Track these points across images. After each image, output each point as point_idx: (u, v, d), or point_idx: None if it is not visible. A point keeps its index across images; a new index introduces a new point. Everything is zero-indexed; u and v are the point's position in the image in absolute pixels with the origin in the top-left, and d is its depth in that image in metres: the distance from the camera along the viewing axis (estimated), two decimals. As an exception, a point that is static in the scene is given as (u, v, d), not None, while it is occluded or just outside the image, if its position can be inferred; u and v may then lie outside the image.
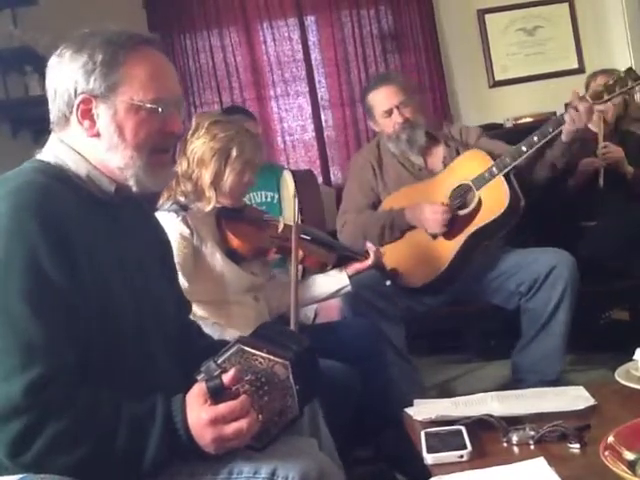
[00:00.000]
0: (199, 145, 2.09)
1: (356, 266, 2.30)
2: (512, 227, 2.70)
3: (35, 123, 3.46)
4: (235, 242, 2.10)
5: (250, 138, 2.13)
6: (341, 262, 2.33)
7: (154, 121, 1.28)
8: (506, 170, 2.59)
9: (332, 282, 2.27)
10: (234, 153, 2.08)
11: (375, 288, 2.46)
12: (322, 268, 2.29)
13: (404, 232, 2.75)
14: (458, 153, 2.83)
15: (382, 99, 2.81)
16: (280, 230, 2.23)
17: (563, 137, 2.58)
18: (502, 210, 2.58)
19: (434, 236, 2.69)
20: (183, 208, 2.09)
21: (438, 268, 2.67)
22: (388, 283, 2.46)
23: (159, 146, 1.31)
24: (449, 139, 2.88)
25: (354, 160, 3.06)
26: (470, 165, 2.68)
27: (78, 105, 1.26)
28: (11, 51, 3.39)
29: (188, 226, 2.05)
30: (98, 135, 1.27)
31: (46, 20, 3.64)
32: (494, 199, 2.60)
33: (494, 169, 2.60)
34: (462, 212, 2.65)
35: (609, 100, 2.60)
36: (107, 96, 1.25)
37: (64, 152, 1.29)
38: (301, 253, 2.18)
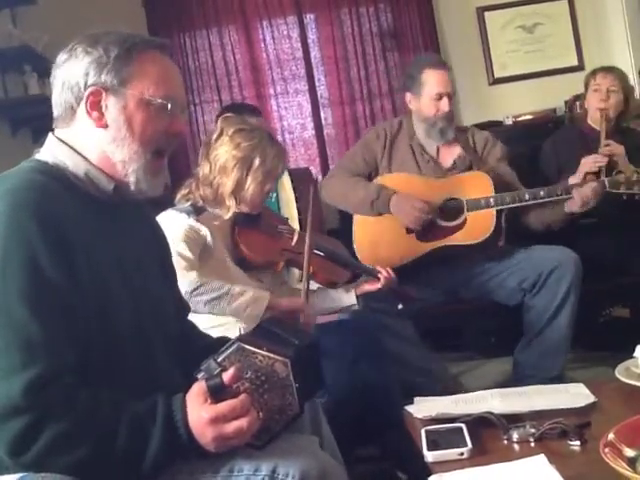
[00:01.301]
0: (222, 153, 2.09)
1: (365, 287, 2.30)
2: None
3: (34, 122, 3.46)
4: (245, 252, 2.11)
5: (273, 147, 2.13)
6: (353, 278, 2.33)
7: (162, 119, 1.30)
8: (502, 207, 2.68)
9: (340, 299, 2.27)
10: (256, 163, 2.08)
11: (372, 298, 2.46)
12: (331, 286, 2.28)
13: (382, 214, 2.77)
14: (470, 164, 2.83)
15: (439, 81, 2.80)
16: (293, 243, 2.23)
17: (566, 208, 2.68)
18: (479, 240, 2.65)
19: (409, 231, 2.70)
20: (198, 211, 2.09)
21: (396, 260, 2.67)
22: (400, 307, 2.45)
23: (162, 146, 1.32)
24: (467, 146, 2.87)
25: (370, 130, 3.10)
26: (473, 185, 2.73)
27: (87, 97, 1.27)
28: (10, 50, 3.38)
29: (201, 227, 2.04)
30: (105, 127, 1.28)
31: (45, 20, 3.64)
32: (478, 226, 2.67)
33: (491, 200, 2.68)
34: (445, 223, 2.68)
35: (624, 193, 2.71)
36: (118, 89, 1.27)
37: (62, 152, 1.29)
38: (311, 268, 2.16)
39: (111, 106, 1.27)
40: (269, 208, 2.71)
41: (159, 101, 1.28)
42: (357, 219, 2.85)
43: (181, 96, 1.35)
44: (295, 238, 2.25)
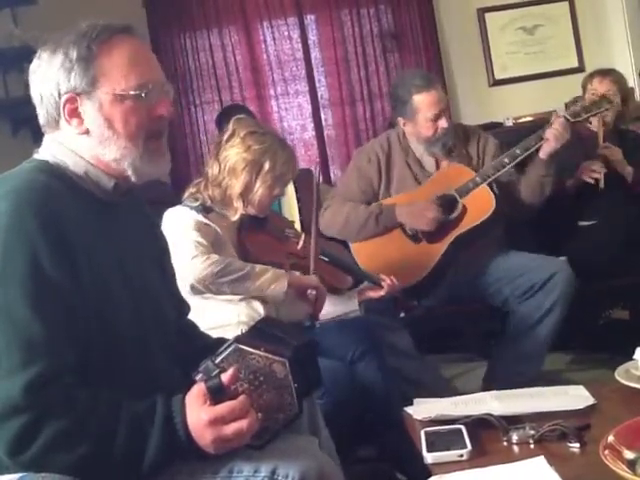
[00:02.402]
0: (232, 154, 2.09)
1: (368, 294, 2.29)
2: (497, 233, 2.76)
3: (35, 122, 3.46)
4: (250, 254, 2.10)
5: (284, 152, 2.12)
6: (355, 284, 2.33)
7: (141, 109, 1.27)
8: (489, 180, 2.67)
9: (341, 305, 2.26)
10: (266, 167, 2.08)
11: (373, 305, 2.45)
12: (334, 292, 2.27)
13: (388, 230, 2.74)
14: (469, 160, 2.82)
15: (432, 103, 2.72)
16: (299, 247, 2.23)
17: (541, 154, 2.68)
18: (489, 214, 2.63)
19: (416, 240, 2.69)
20: (207, 210, 2.10)
21: (421, 271, 2.66)
22: (402, 315, 2.44)
23: (152, 132, 1.29)
24: (459, 147, 2.84)
25: (361, 151, 2.98)
26: (453, 176, 2.72)
27: (64, 105, 1.26)
28: (11, 50, 3.40)
29: (210, 223, 2.05)
30: (88, 132, 1.27)
31: (46, 19, 3.63)
32: (479, 205, 2.66)
33: (477, 179, 2.67)
34: (448, 217, 2.67)
35: (586, 119, 2.81)
36: (90, 91, 1.25)
37: (61, 151, 1.29)
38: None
39: (88, 110, 1.25)
40: (276, 212, 2.71)
41: (132, 93, 1.25)
42: (356, 249, 2.79)
43: (156, 77, 1.30)
44: (301, 242, 2.25)
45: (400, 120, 2.83)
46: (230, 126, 2.16)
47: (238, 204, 2.10)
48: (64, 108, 1.26)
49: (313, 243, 2.11)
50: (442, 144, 2.76)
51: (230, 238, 2.11)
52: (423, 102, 2.73)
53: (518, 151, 2.69)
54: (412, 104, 2.74)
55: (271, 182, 2.10)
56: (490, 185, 2.68)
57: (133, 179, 1.30)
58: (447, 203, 2.69)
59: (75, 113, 1.26)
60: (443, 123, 2.73)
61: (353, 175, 2.88)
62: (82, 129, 1.26)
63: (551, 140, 2.65)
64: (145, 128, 1.28)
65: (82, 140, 1.27)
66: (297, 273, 2.21)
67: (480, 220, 2.65)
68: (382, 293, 2.29)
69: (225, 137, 2.14)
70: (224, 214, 2.11)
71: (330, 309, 2.26)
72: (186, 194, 2.17)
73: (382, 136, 2.99)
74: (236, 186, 2.09)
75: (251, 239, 2.13)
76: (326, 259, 2.27)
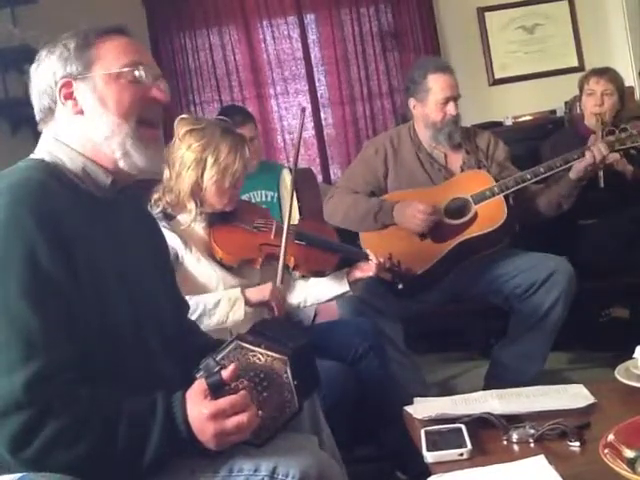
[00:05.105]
0: (176, 157, 2.04)
1: (357, 274, 2.22)
2: (504, 244, 2.74)
3: (34, 122, 3.47)
4: (220, 253, 2.06)
5: (227, 142, 2.04)
6: (344, 264, 2.26)
7: (135, 88, 1.30)
8: (507, 192, 2.66)
9: (332, 288, 2.21)
10: (210, 162, 2.02)
11: (370, 288, 2.44)
12: (319, 275, 2.22)
13: (388, 225, 2.73)
14: (479, 162, 2.82)
15: (446, 86, 2.74)
16: (272, 237, 2.17)
17: (571, 174, 2.64)
18: (497, 225, 2.62)
19: (422, 237, 2.69)
20: (169, 217, 2.06)
21: (419, 267, 2.65)
22: (400, 287, 2.40)
23: (145, 115, 1.31)
24: (472, 148, 2.84)
25: (370, 142, 2.99)
26: (472, 182, 2.71)
27: (60, 90, 1.28)
28: (11, 50, 3.40)
29: (168, 235, 1.98)
30: (82, 112, 1.29)
31: (46, 19, 3.64)
32: (490, 214, 2.64)
33: (496, 189, 2.66)
34: (456, 221, 2.66)
35: (619, 151, 2.76)
36: (85, 74, 1.28)
37: (57, 148, 1.30)
38: (293, 260, 2.13)
39: (82, 92, 1.28)
40: (250, 202, 2.67)
41: (126, 70, 1.29)
42: (364, 238, 2.79)
43: (149, 62, 1.34)
44: (273, 230, 2.19)
45: (411, 101, 2.83)
46: (175, 126, 2.10)
47: (191, 205, 2.05)
48: (60, 93, 1.28)
49: (284, 234, 2.06)
50: (448, 134, 2.76)
51: (198, 241, 2.07)
52: (436, 82, 2.74)
53: (542, 169, 2.68)
54: (426, 83, 2.76)
55: (219, 176, 2.03)
56: (507, 197, 2.68)
57: (122, 165, 1.29)
58: (460, 207, 2.69)
59: (71, 96, 1.29)
60: (452, 109, 2.73)
61: (358, 165, 2.89)
62: (77, 109, 1.29)
63: (587, 158, 2.60)
64: (138, 108, 1.30)
65: (75, 122, 1.29)
66: (252, 290, 2.09)
67: (488, 229, 2.63)
68: (371, 272, 2.22)
69: (171, 142, 2.08)
70: (184, 219, 2.07)
71: (321, 293, 2.23)
72: (152, 200, 2.09)
73: (393, 130, 3.01)
74: (184, 188, 2.04)
75: (218, 238, 2.08)
76: (303, 243, 2.21)
